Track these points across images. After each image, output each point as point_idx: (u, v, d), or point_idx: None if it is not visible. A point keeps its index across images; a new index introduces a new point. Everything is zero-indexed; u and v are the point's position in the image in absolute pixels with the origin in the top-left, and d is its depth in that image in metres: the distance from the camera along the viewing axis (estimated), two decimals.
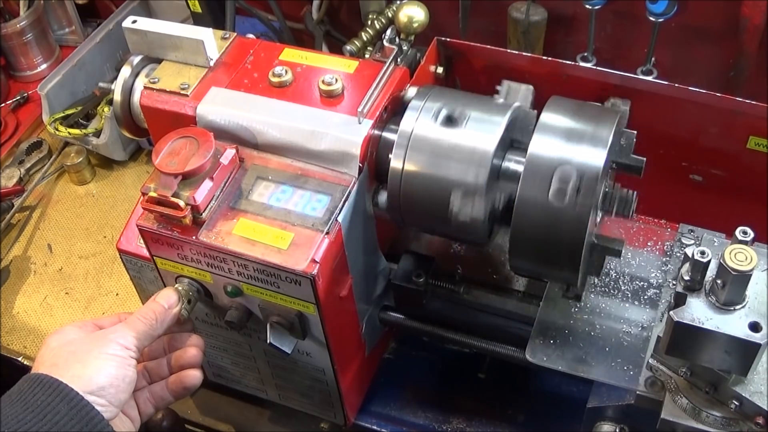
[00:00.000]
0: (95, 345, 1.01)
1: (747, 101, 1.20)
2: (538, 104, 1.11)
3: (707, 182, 1.33)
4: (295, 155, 1.15)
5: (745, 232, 0.95)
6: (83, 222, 1.79)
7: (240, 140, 1.17)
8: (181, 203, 1.06)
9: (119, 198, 1.82)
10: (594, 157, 1.03)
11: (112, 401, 0.98)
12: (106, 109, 1.75)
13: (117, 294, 1.64)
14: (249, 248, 1.07)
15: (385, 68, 1.20)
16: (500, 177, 1.11)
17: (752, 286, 0.96)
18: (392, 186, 1.14)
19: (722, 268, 0.93)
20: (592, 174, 1.02)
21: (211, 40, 1.24)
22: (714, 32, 1.53)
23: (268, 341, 1.13)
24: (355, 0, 1.78)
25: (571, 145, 1.04)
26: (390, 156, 1.13)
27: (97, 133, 1.78)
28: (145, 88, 1.23)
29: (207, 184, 1.08)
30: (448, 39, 1.32)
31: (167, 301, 1.10)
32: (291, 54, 1.26)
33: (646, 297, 1.22)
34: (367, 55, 1.56)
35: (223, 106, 1.19)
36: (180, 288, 1.14)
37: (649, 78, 1.40)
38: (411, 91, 1.19)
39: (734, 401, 1.00)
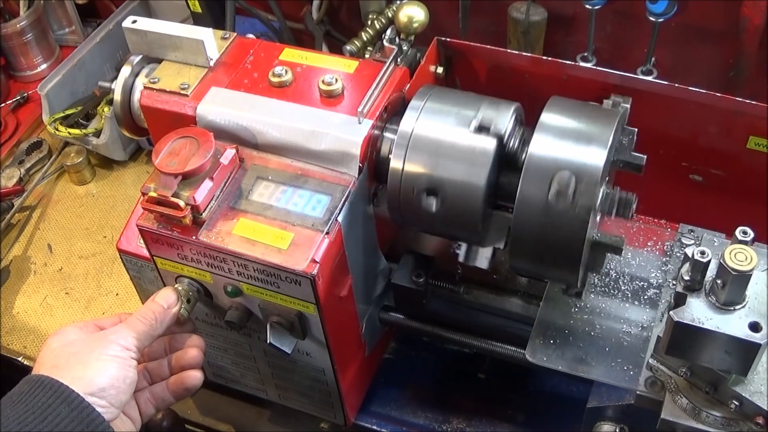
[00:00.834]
0: (96, 346, 1.01)
1: (747, 101, 1.20)
2: (538, 104, 1.11)
3: (707, 182, 1.33)
4: (295, 155, 1.15)
5: (745, 232, 0.95)
6: (83, 222, 1.79)
7: (240, 140, 1.17)
8: (181, 203, 1.06)
9: (119, 198, 1.82)
10: (594, 157, 1.03)
11: (113, 402, 0.98)
12: (106, 109, 1.75)
13: (117, 294, 1.64)
14: (249, 248, 1.07)
15: (385, 68, 1.20)
16: (500, 176, 1.11)
17: (752, 286, 0.96)
18: (392, 186, 1.14)
19: (722, 268, 0.93)
20: (592, 175, 1.02)
21: (211, 40, 1.24)
22: (714, 32, 1.53)
23: (268, 341, 1.13)
24: (355, 0, 1.78)
25: (571, 145, 1.04)
26: (390, 156, 1.13)
27: (97, 133, 1.78)
28: (145, 88, 1.23)
29: (207, 184, 1.08)
30: (448, 39, 1.32)
31: (166, 300, 1.10)
32: (291, 54, 1.26)
33: (646, 297, 1.22)
34: (367, 55, 1.56)
35: (223, 106, 1.18)
36: (179, 288, 1.14)
37: (649, 78, 1.39)
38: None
39: (734, 401, 1.00)
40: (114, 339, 1.02)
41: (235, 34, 1.29)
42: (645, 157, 1.09)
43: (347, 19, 1.87)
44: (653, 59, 1.55)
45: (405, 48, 1.28)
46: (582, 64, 1.59)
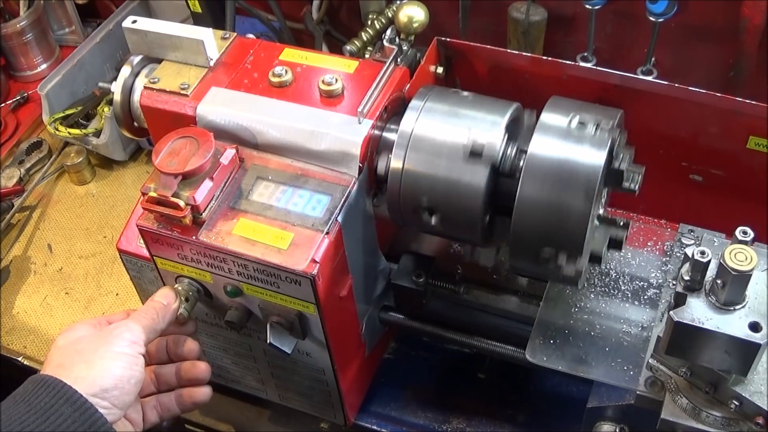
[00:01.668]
0: (101, 343, 1.01)
1: (747, 101, 1.20)
2: (538, 104, 1.11)
3: (707, 182, 1.33)
4: (295, 155, 1.15)
5: (745, 232, 0.95)
6: (83, 222, 1.79)
7: (240, 140, 1.17)
8: (181, 203, 1.06)
9: (119, 198, 1.82)
10: (594, 157, 1.03)
11: (116, 404, 0.98)
12: (106, 109, 1.75)
13: (117, 294, 1.64)
14: (249, 248, 1.07)
15: (385, 68, 1.20)
16: (500, 175, 1.11)
17: (752, 286, 0.96)
18: (392, 186, 1.14)
19: (722, 268, 0.93)
20: (593, 175, 1.02)
21: (211, 40, 1.24)
22: (714, 32, 1.53)
23: (268, 341, 1.13)
24: (355, 0, 1.78)
25: (571, 145, 1.04)
26: (390, 156, 1.13)
27: (97, 133, 1.78)
28: (145, 88, 1.23)
29: (207, 184, 1.08)
30: (448, 39, 1.32)
31: (165, 298, 1.11)
32: (291, 54, 1.26)
33: (646, 297, 1.22)
34: (367, 55, 1.56)
35: (223, 106, 1.18)
36: (179, 287, 1.14)
37: (649, 78, 1.40)
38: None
39: (734, 401, 1.00)
40: (119, 333, 1.02)
41: (235, 34, 1.29)
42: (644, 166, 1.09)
43: (347, 19, 1.87)
44: (653, 59, 1.55)
45: (405, 48, 1.28)
46: (582, 64, 1.59)
